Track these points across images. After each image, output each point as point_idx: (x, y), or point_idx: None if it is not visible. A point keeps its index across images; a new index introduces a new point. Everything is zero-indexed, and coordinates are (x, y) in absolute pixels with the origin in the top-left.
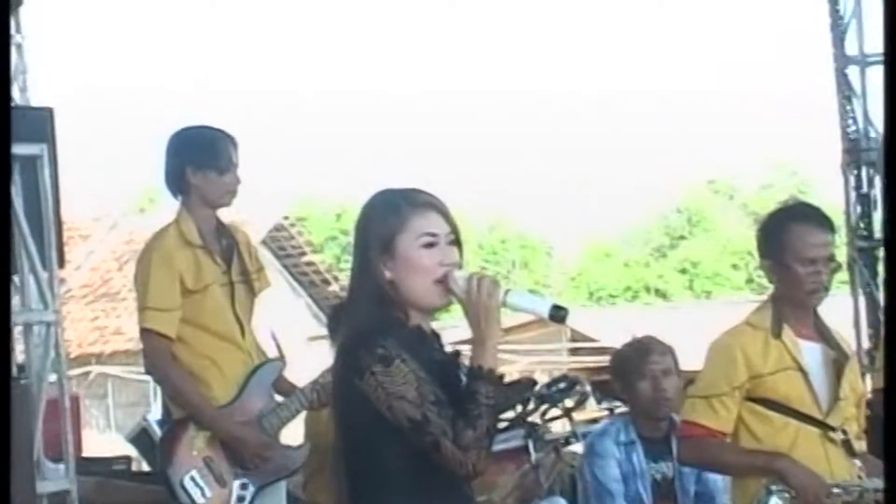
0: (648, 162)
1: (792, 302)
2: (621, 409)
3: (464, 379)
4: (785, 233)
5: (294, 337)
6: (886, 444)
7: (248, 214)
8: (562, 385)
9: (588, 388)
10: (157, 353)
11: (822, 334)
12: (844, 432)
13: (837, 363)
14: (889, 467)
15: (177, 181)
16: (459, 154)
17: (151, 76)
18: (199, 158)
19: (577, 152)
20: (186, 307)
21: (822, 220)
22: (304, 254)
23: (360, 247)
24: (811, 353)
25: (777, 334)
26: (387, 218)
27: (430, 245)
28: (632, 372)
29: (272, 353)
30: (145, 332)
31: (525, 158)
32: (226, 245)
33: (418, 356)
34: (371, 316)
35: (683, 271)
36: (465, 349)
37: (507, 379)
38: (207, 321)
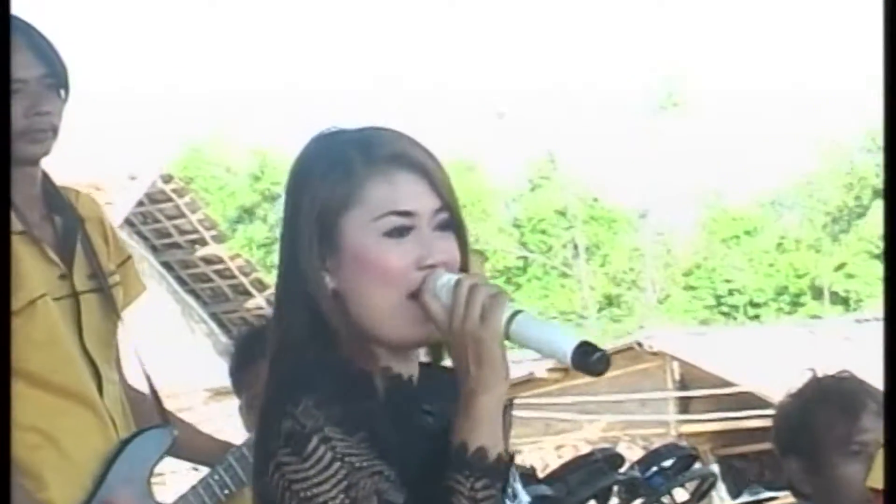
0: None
1: None
2: (773, 500)
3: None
4: None
5: (191, 387)
6: (887, 444)
7: (100, 174)
8: (667, 463)
9: (715, 467)
10: None
11: None
12: None
13: None
14: (889, 468)
15: None
16: (472, 65)
17: None
18: None
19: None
20: None
21: None
22: (201, 241)
23: (288, 231)
24: None
25: None
26: (327, 180)
27: (399, 231)
28: (826, 442)
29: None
30: None
31: (582, 72)
32: (63, 227)
33: (376, 423)
34: (298, 354)
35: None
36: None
37: (568, 454)
38: (35, 364)
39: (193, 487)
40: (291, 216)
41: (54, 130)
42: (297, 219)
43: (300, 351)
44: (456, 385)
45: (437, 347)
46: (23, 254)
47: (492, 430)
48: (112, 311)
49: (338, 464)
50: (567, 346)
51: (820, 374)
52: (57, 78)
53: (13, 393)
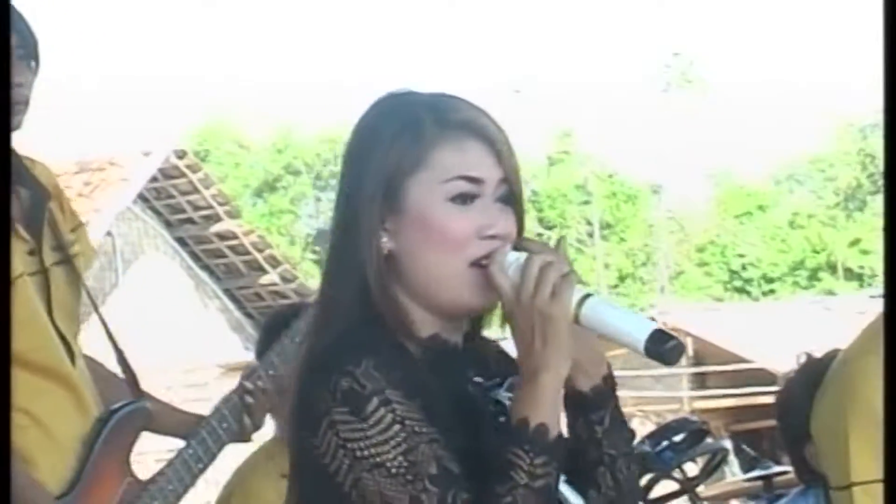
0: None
1: None
2: (784, 475)
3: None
4: None
5: (205, 363)
6: (887, 443)
7: (116, 151)
8: (678, 438)
9: (727, 443)
10: None
11: None
12: None
13: None
14: (889, 468)
15: None
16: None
17: None
18: None
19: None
20: None
21: None
22: (214, 217)
23: (345, 191)
24: None
25: None
26: (398, 140)
27: (464, 197)
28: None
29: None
30: None
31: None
32: (29, 201)
33: (428, 392)
34: (347, 318)
35: None
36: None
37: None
38: (18, 344)
39: (169, 463)
40: (350, 174)
41: (26, 103)
42: (361, 178)
43: (342, 314)
44: (499, 357)
45: (479, 318)
46: None
47: (552, 408)
48: (76, 282)
49: (398, 426)
50: (641, 334)
51: (818, 355)
52: (27, 48)
53: None
